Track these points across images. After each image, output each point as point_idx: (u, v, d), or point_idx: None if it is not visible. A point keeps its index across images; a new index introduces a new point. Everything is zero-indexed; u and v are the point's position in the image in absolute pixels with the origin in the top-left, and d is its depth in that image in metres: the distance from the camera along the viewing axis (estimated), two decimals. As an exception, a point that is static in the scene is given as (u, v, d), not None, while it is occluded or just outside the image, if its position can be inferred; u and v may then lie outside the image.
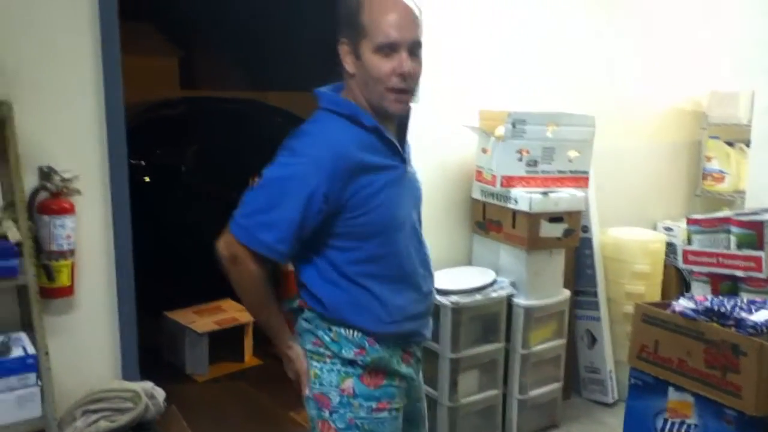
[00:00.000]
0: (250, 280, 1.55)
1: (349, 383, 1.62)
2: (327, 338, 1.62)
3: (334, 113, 1.56)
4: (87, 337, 2.31)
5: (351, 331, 1.61)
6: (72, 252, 2.17)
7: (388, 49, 1.49)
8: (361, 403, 1.62)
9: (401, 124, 1.67)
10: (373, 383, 1.64)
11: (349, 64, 1.55)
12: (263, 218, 1.50)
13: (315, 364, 1.65)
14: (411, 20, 1.51)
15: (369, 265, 1.59)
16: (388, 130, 1.59)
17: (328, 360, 1.63)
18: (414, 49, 1.52)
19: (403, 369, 1.70)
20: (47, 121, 2.15)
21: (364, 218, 1.54)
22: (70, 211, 2.15)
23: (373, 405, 1.64)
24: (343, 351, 1.61)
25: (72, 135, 2.22)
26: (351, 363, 1.62)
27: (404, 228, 1.63)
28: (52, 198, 2.13)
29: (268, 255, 1.52)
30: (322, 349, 1.63)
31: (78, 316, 2.28)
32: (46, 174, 2.14)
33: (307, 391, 1.66)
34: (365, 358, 1.62)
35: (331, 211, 1.51)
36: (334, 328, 1.61)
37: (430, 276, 1.75)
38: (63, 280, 2.16)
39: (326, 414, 1.64)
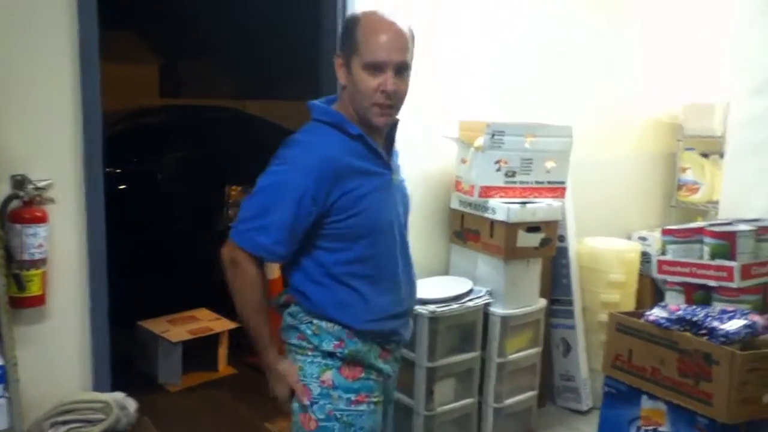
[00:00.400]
0: (248, 283, 1.65)
1: (328, 375, 1.71)
2: (309, 332, 1.71)
3: (323, 123, 1.69)
4: (58, 347, 2.27)
5: (332, 325, 1.70)
6: (44, 261, 2.14)
7: (375, 67, 1.60)
8: (340, 394, 1.71)
9: (389, 135, 1.78)
10: (351, 375, 1.73)
11: (341, 76, 1.68)
12: (259, 223, 1.61)
13: (298, 357, 1.74)
14: (400, 43, 1.62)
15: (355, 265, 1.68)
16: (375, 140, 1.70)
17: (309, 353, 1.72)
18: (401, 69, 1.63)
19: (380, 364, 1.77)
20: (21, 128, 2.12)
21: (351, 220, 1.64)
22: (42, 219, 2.12)
23: (352, 397, 1.72)
24: (323, 344, 1.70)
25: (47, 143, 2.18)
26: (330, 355, 1.71)
27: (390, 232, 1.73)
28: (25, 207, 2.10)
29: (266, 256, 1.65)
30: (304, 343, 1.73)
31: (49, 326, 2.24)
32: (18, 182, 2.10)
33: (306, 400, 1.72)
34: (343, 350, 1.71)
35: (320, 212, 1.62)
36: (315, 322, 1.71)
37: (413, 281, 1.85)
38: (34, 289, 2.12)
39: (306, 405, 1.72)
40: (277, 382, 1.76)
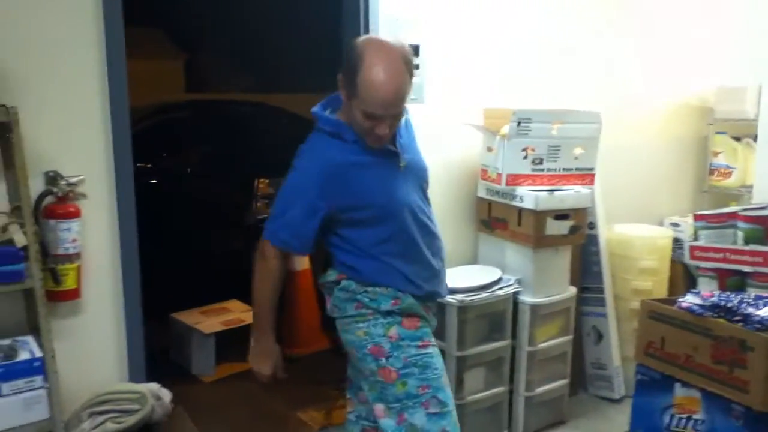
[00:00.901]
0: (269, 272, 1.92)
1: (393, 330, 1.92)
2: (366, 299, 1.92)
3: (324, 132, 1.90)
4: (94, 340, 2.32)
5: (384, 289, 1.92)
6: (78, 255, 2.19)
7: (373, 118, 1.78)
8: (408, 343, 1.91)
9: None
10: (412, 326, 1.94)
11: (342, 95, 1.85)
12: (281, 221, 1.88)
13: (361, 324, 1.93)
14: (396, 100, 1.77)
15: (380, 245, 1.90)
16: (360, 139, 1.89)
17: (370, 317, 1.93)
18: (395, 116, 1.83)
19: (428, 316, 2.02)
20: (53, 126, 2.17)
21: (362, 212, 1.88)
22: (75, 215, 2.16)
23: (418, 343, 1.93)
24: (382, 305, 1.92)
25: (77, 140, 2.23)
26: (389, 314, 1.92)
27: (403, 212, 1.91)
28: (58, 202, 2.15)
29: (283, 248, 1.90)
30: (364, 310, 1.93)
31: (85, 319, 2.29)
32: (51, 179, 2.15)
33: (381, 357, 1.91)
34: (401, 305, 1.93)
35: (329, 209, 1.85)
36: (370, 289, 1.92)
37: (437, 244, 2.04)
38: (69, 283, 2.17)
39: (383, 361, 1.91)
40: (265, 359, 2.01)
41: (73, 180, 2.17)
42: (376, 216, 1.88)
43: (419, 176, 2.01)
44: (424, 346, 1.94)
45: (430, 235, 2.01)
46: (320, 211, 1.85)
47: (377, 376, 1.92)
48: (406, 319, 1.94)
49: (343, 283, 1.96)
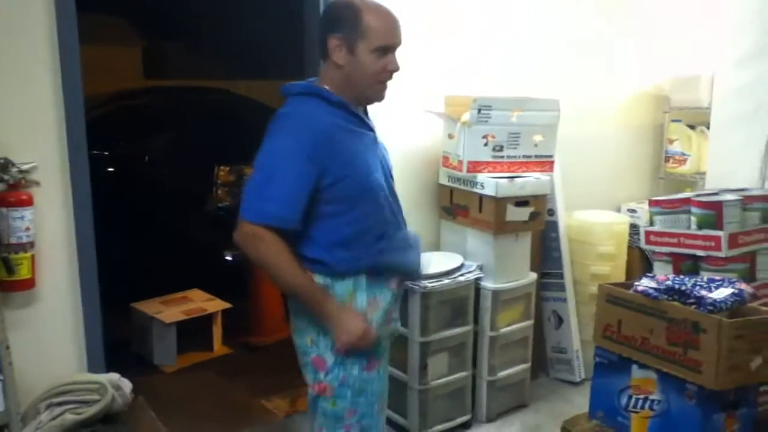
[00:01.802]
0: (277, 249, 1.69)
1: None
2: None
3: (304, 95, 1.79)
4: (50, 330, 2.28)
5: (345, 282, 1.80)
6: (32, 244, 2.14)
7: (385, 50, 1.75)
8: (353, 361, 1.81)
9: (364, 110, 1.91)
10: None
11: (339, 57, 1.75)
12: (264, 194, 1.68)
13: (311, 330, 1.82)
14: (399, 27, 1.79)
15: (358, 224, 1.77)
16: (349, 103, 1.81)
17: (320, 325, 1.80)
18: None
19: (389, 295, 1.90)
20: (3, 112, 2.10)
21: (347, 181, 1.73)
22: (28, 203, 2.11)
23: (364, 363, 1.83)
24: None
25: (29, 126, 2.17)
26: None
27: (382, 191, 1.82)
28: (10, 190, 2.10)
29: (278, 224, 1.68)
30: (316, 318, 1.80)
31: (40, 309, 2.24)
32: (2, 166, 2.10)
33: (321, 371, 1.83)
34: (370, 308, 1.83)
35: (318, 173, 1.69)
36: (339, 284, 1.79)
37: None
38: (23, 272, 2.12)
39: (321, 376, 1.82)
40: (353, 317, 1.77)
41: (25, 167, 2.12)
42: (355, 193, 1.75)
43: (387, 163, 1.93)
44: (369, 369, 1.85)
45: (402, 221, 1.95)
46: (312, 176, 1.69)
47: (313, 389, 1.86)
48: None
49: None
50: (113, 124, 4.80)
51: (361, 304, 1.82)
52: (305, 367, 1.87)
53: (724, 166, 3.27)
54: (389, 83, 1.83)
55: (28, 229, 2.11)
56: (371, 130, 1.87)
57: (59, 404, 2.13)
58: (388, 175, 1.92)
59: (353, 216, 1.76)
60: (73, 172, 2.25)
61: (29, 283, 2.16)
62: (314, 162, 1.68)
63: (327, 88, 1.78)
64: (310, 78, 1.87)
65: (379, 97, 1.82)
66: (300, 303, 1.81)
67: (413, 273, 2.01)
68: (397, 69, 1.79)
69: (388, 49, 1.76)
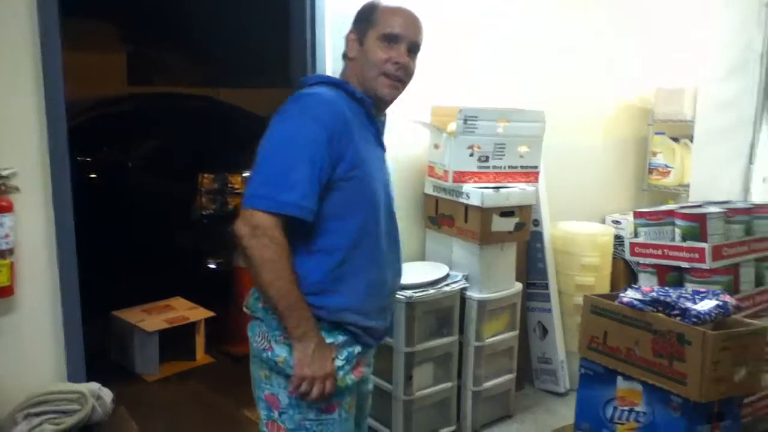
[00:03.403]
0: (279, 249, 1.50)
1: None
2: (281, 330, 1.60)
3: (326, 84, 1.69)
4: (29, 339, 2.23)
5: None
6: (11, 251, 2.10)
7: (391, 40, 1.67)
8: (309, 403, 1.60)
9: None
10: None
11: (352, 49, 1.72)
12: (281, 180, 1.50)
13: (265, 365, 1.65)
14: (415, 25, 1.72)
15: (349, 237, 1.61)
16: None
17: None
18: (413, 49, 1.72)
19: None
20: (-18, 116, 2.07)
21: (353, 183, 1.58)
22: (7, 209, 2.07)
23: (322, 405, 1.62)
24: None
25: (9, 131, 2.13)
26: None
27: (381, 206, 1.69)
28: (-11, 196, 2.05)
29: (296, 214, 1.50)
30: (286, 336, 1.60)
31: (19, 317, 2.20)
32: (-19, 171, 2.06)
33: (274, 409, 1.64)
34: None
35: (334, 162, 1.55)
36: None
37: (397, 274, 1.83)
38: (2, 280, 2.08)
39: (275, 415, 1.64)
40: (325, 355, 1.57)
41: (5, 173, 2.08)
42: (356, 199, 1.60)
43: (387, 181, 1.79)
44: (328, 411, 1.63)
45: (395, 259, 1.78)
46: (329, 166, 1.54)
47: (266, 427, 1.66)
48: None
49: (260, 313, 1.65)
50: (96, 131, 4.75)
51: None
52: (258, 400, 1.70)
53: (707, 178, 3.31)
54: (401, 80, 1.71)
55: (7, 236, 2.07)
56: (382, 147, 1.78)
57: (37, 414, 2.08)
58: (391, 203, 1.78)
59: (347, 226, 1.60)
60: (54, 179, 2.21)
61: (8, 291, 2.12)
62: (333, 150, 1.54)
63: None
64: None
65: (385, 92, 1.68)
66: (276, 314, 1.57)
67: (377, 336, 1.75)
68: (402, 61, 1.67)
69: (395, 38, 1.67)
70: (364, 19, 1.71)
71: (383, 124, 1.82)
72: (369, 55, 1.67)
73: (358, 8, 1.77)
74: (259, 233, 1.48)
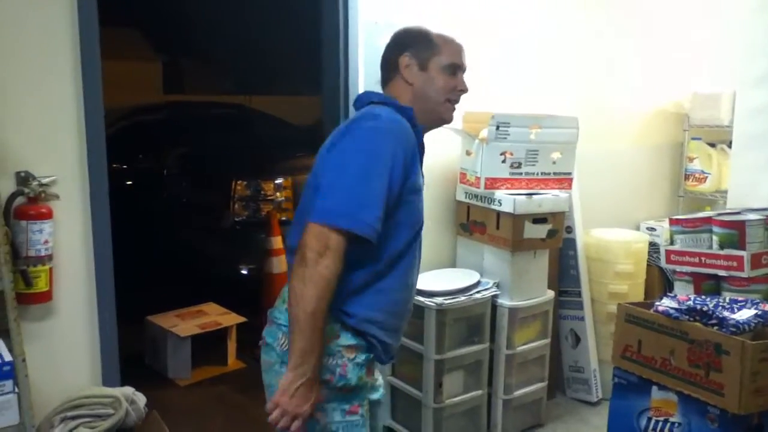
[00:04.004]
0: (336, 272, 1.49)
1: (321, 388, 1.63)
2: None
3: (388, 106, 1.70)
4: (66, 343, 2.27)
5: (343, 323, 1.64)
6: (50, 257, 2.14)
7: (454, 69, 1.78)
8: (335, 406, 1.62)
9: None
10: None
11: (410, 74, 1.75)
12: (361, 199, 1.51)
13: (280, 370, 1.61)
14: (465, 54, 1.84)
15: (393, 251, 1.63)
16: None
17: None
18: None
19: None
20: (25, 126, 2.11)
21: (408, 206, 1.63)
22: (47, 216, 2.11)
23: (346, 407, 1.64)
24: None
25: (50, 140, 2.18)
26: None
27: (420, 232, 1.74)
28: (30, 203, 2.10)
29: (369, 235, 1.50)
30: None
31: (57, 322, 2.24)
32: (23, 179, 2.10)
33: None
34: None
35: (402, 183, 1.59)
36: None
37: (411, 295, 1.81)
38: (41, 285, 2.12)
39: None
40: (309, 395, 1.51)
41: (45, 180, 2.13)
42: (409, 220, 1.66)
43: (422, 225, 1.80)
44: (352, 412, 1.64)
45: (416, 275, 1.80)
46: (396, 190, 1.57)
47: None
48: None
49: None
50: (133, 139, 4.85)
51: (346, 341, 1.62)
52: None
53: (746, 184, 3.22)
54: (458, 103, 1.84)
55: (46, 242, 2.11)
56: (422, 175, 1.77)
57: (73, 418, 2.12)
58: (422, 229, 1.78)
59: (392, 245, 1.61)
60: (93, 186, 2.25)
61: (46, 296, 2.16)
62: (405, 171, 1.58)
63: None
64: (364, 93, 1.86)
65: (449, 117, 1.83)
66: (291, 326, 1.52)
67: (389, 354, 1.74)
68: (466, 90, 1.82)
69: (457, 68, 1.79)
70: (423, 46, 1.76)
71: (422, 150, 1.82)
72: (435, 82, 1.75)
73: (403, 30, 1.82)
74: (329, 253, 1.47)
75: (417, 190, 1.67)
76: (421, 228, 1.75)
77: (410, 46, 1.77)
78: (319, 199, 1.52)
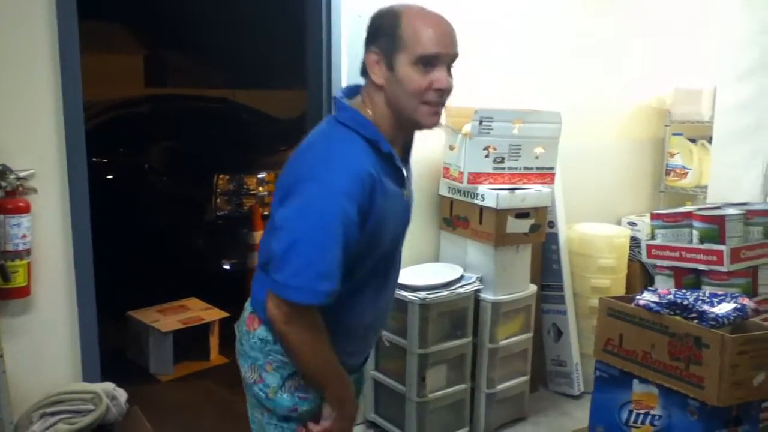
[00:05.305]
0: (315, 332, 1.42)
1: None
2: (281, 357, 1.53)
3: (351, 130, 1.46)
4: (45, 338, 2.25)
5: None
6: (28, 252, 2.12)
7: (427, 62, 1.42)
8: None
9: (406, 145, 1.59)
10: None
11: (377, 74, 1.46)
12: (316, 269, 1.36)
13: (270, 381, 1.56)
14: (449, 35, 1.47)
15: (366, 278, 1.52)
16: (396, 154, 1.51)
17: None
18: (451, 64, 1.49)
19: None
20: (1, 118, 2.08)
21: (369, 242, 1.45)
22: (25, 210, 2.09)
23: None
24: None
25: (28, 133, 2.15)
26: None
27: (393, 255, 1.59)
28: (7, 197, 2.07)
29: (328, 302, 1.39)
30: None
31: (36, 317, 2.22)
32: (0, 173, 2.08)
33: None
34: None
35: (355, 237, 1.41)
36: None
37: (388, 305, 1.70)
38: (19, 280, 2.10)
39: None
40: (349, 421, 1.54)
41: (23, 174, 2.10)
42: (366, 254, 1.47)
43: (407, 218, 1.62)
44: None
45: (389, 304, 1.69)
46: (354, 245, 1.40)
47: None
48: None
49: (259, 331, 1.53)
50: (114, 132, 4.79)
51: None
52: (269, 426, 1.65)
53: (726, 180, 3.26)
54: (442, 104, 1.50)
55: (24, 236, 2.09)
56: (403, 184, 1.54)
57: (53, 414, 2.10)
58: (401, 242, 1.64)
59: (355, 275, 1.47)
60: (72, 180, 2.23)
61: (25, 291, 2.14)
62: (359, 225, 1.39)
63: (371, 117, 1.48)
64: (352, 86, 1.58)
65: (428, 121, 1.48)
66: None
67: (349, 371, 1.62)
68: (444, 86, 1.45)
69: (432, 59, 1.42)
70: (389, 36, 1.43)
71: (410, 148, 1.62)
72: (405, 83, 1.42)
73: (373, 17, 1.48)
74: (294, 320, 1.39)
75: (379, 229, 1.45)
76: (395, 247, 1.60)
77: (376, 38, 1.46)
78: (272, 268, 1.41)
